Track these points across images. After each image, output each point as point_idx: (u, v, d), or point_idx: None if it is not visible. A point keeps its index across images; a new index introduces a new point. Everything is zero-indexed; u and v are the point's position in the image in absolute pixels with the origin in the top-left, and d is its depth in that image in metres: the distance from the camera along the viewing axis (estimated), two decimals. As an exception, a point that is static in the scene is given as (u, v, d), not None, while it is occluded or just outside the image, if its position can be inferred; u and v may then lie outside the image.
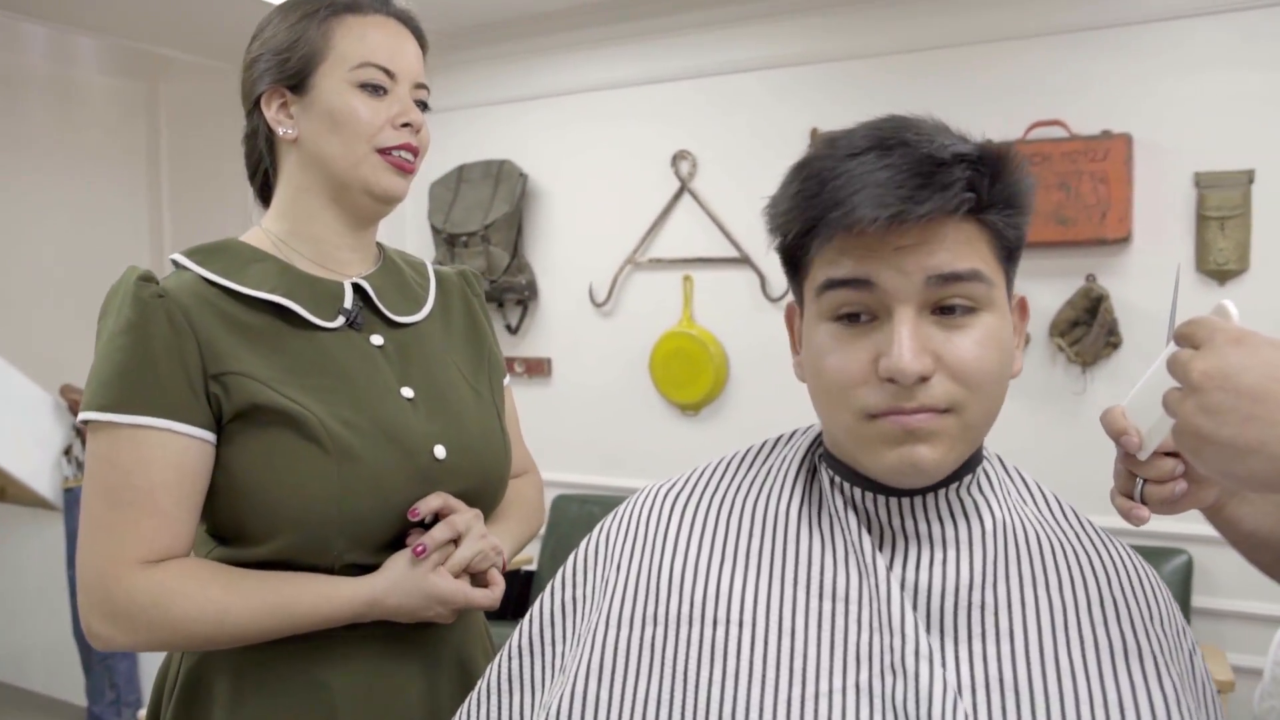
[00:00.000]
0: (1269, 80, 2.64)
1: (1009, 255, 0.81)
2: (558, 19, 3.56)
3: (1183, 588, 2.71)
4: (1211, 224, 2.71)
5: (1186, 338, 0.70)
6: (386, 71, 1.14)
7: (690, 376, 3.42)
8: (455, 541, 1.13)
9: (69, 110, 4.55)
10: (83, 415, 1.04)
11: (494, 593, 1.15)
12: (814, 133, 3.19)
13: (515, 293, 3.70)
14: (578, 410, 3.70)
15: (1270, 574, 0.88)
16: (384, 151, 1.13)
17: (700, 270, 3.44)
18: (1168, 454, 0.76)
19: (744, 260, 3.35)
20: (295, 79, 1.13)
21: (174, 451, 1.03)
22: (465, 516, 1.13)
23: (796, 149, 3.04)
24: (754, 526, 0.87)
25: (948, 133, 0.79)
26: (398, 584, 1.08)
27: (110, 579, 1.02)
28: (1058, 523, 0.87)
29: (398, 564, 1.10)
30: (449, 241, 3.69)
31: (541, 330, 3.77)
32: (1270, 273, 2.67)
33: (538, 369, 3.75)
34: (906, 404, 0.76)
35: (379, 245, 1.26)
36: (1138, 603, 0.82)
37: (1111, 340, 2.82)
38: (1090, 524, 0.88)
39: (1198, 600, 2.75)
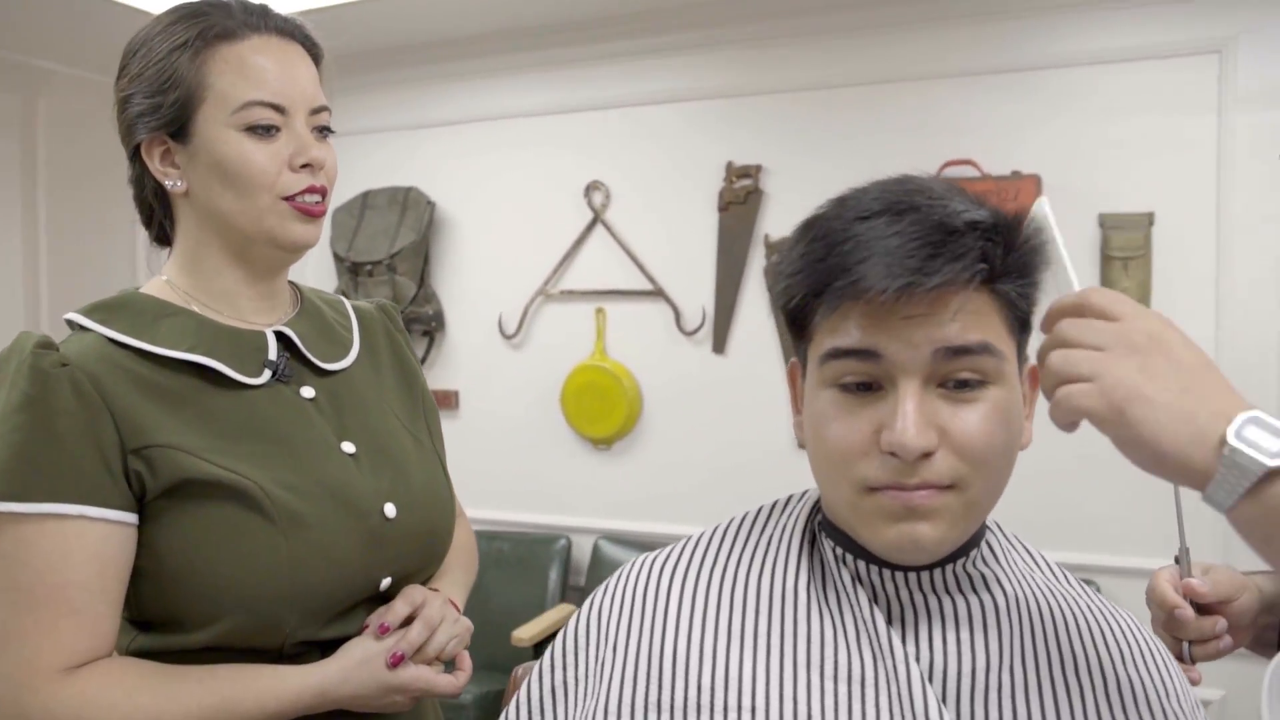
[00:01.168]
0: (1166, 127, 2.73)
1: (1021, 325, 0.78)
2: (470, 44, 3.48)
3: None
4: (1115, 263, 2.79)
5: (1101, 308, 0.68)
6: (275, 107, 1.00)
7: (603, 410, 3.35)
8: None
9: (-64, 124, 4.26)
10: None
11: (459, 679, 1.07)
12: (729, 165, 3.19)
13: (422, 324, 3.58)
14: (486, 444, 3.59)
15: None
16: (288, 199, 1.01)
17: (614, 302, 3.39)
18: (1203, 611, 0.74)
19: (658, 293, 3.31)
20: (174, 125, 1.00)
21: (91, 541, 0.92)
22: (435, 608, 1.05)
23: (712, 181, 3.06)
24: (759, 603, 0.81)
25: (961, 196, 0.76)
26: (352, 673, 0.98)
27: (26, 692, 0.89)
28: (1065, 593, 0.84)
29: (352, 651, 1.00)
30: (352, 270, 3.56)
31: (449, 362, 3.66)
32: (1170, 310, 2.71)
33: (445, 401, 3.64)
34: (908, 480, 0.73)
35: (292, 285, 1.16)
36: (1153, 681, 0.79)
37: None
38: (1096, 594, 0.86)
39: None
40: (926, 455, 0.72)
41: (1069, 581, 0.86)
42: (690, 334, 3.28)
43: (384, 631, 1.01)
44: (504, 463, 3.55)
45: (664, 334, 3.33)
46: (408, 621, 1.05)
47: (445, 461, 1.20)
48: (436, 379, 3.68)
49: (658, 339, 3.34)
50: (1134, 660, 0.80)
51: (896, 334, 0.72)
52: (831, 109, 3.09)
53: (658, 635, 0.81)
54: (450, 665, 1.09)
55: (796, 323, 0.80)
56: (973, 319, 0.73)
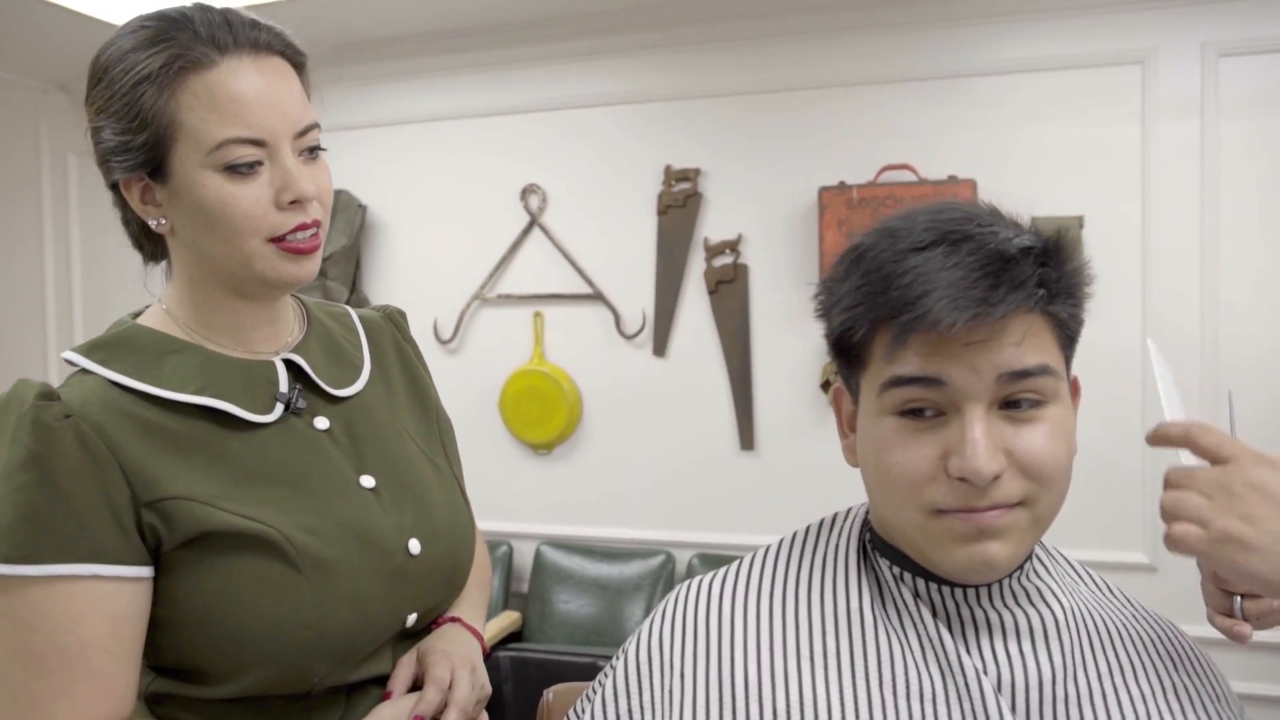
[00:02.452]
0: (1094, 133, 2.83)
1: (1070, 342, 0.80)
2: (401, 45, 3.41)
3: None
4: (1047, 266, 2.88)
5: (1210, 450, 0.75)
6: (255, 142, 0.91)
7: (543, 415, 3.33)
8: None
9: None
10: None
11: None
12: (668, 169, 3.19)
13: (354, 329, 3.50)
14: (422, 451, 3.53)
15: None
16: (277, 239, 0.94)
17: (552, 306, 3.37)
18: None
19: (597, 296, 3.30)
20: (149, 165, 0.92)
21: (105, 599, 0.86)
22: (464, 689, 1.00)
23: (650, 185, 3.05)
24: (824, 623, 0.82)
25: (1004, 220, 0.79)
26: None
27: None
28: (1113, 604, 0.87)
29: (383, 714, 0.96)
30: (280, 274, 3.46)
31: (381, 368, 3.59)
32: (1099, 310, 2.83)
33: (378, 409, 3.56)
34: (979, 502, 0.75)
35: (298, 301, 1.10)
36: (1205, 684, 0.83)
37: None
38: (1138, 602, 0.89)
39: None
40: (996, 478, 0.74)
41: (1111, 591, 0.90)
42: (630, 337, 3.27)
43: None
44: (441, 470, 3.49)
45: (604, 337, 3.32)
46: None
47: (463, 484, 1.16)
48: (369, 385, 3.60)
49: (597, 342, 3.33)
50: (1185, 666, 0.83)
51: (960, 361, 0.73)
52: (770, 113, 3.12)
53: (726, 659, 0.81)
54: None
55: (849, 352, 0.80)
56: (1031, 340, 0.75)
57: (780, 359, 3.14)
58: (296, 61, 1.00)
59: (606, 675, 0.89)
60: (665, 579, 3.17)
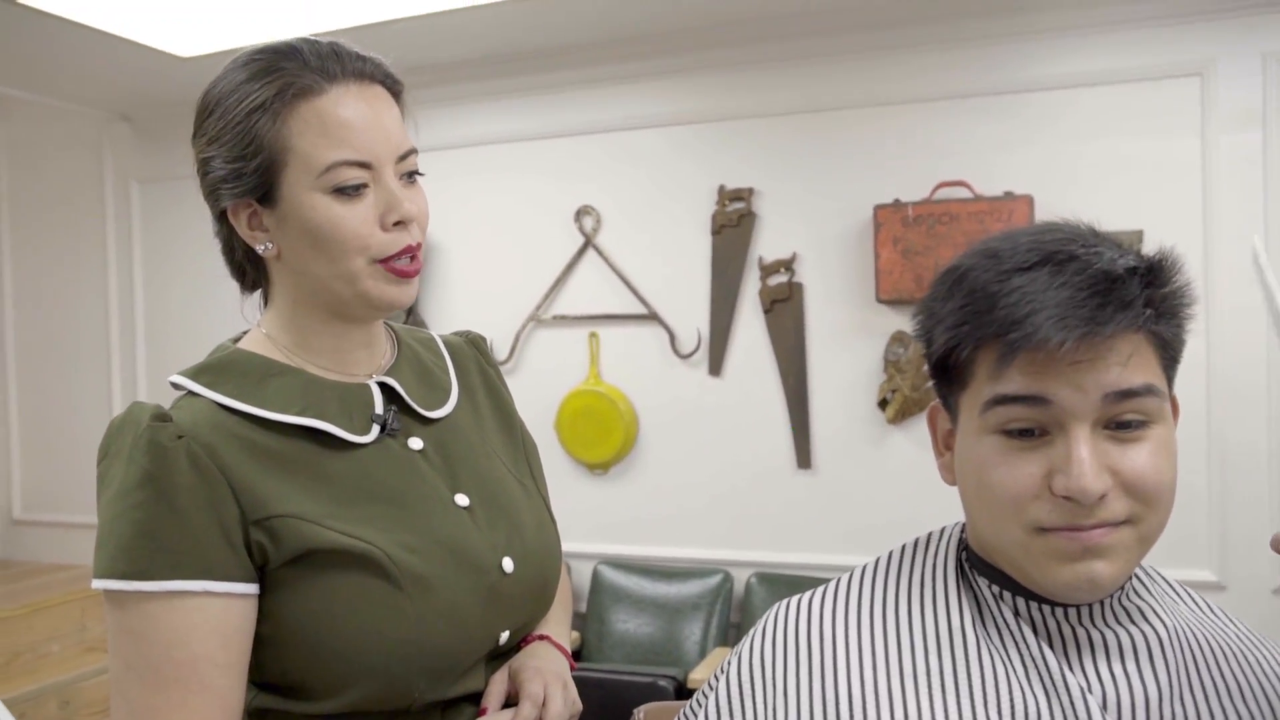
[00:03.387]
0: (1152, 147, 2.81)
1: (1172, 363, 0.80)
2: (454, 70, 3.46)
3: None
4: (1107, 281, 2.85)
5: None
6: (362, 165, 0.95)
7: (599, 435, 3.35)
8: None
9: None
10: (101, 584, 0.89)
11: None
12: (721, 189, 3.21)
13: (411, 351, 3.55)
14: (478, 472, 3.56)
15: None
16: (383, 261, 0.97)
17: (607, 327, 3.39)
18: None
19: (652, 316, 3.32)
20: (259, 191, 0.96)
21: (215, 615, 0.89)
22: (556, 708, 1.02)
23: (704, 205, 3.06)
24: (926, 642, 0.82)
25: (1108, 242, 0.78)
26: None
27: None
28: (1215, 624, 0.87)
29: None
30: (339, 298, 3.51)
31: (438, 389, 3.63)
32: (1160, 327, 2.82)
33: (435, 430, 3.60)
34: (1084, 521, 0.75)
35: (387, 325, 1.13)
36: None
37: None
38: (1240, 621, 0.88)
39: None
40: (1102, 496, 0.74)
41: (1212, 610, 0.89)
42: (686, 357, 3.29)
43: None
44: (498, 490, 3.51)
45: (659, 357, 3.33)
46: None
47: (550, 503, 1.18)
48: (426, 406, 3.64)
49: (653, 362, 3.34)
50: None
51: (1066, 379, 0.74)
52: (823, 131, 3.13)
53: (829, 677, 0.82)
54: None
55: (950, 371, 0.81)
56: (1136, 360, 0.75)
57: (836, 377, 3.14)
58: (395, 90, 1.04)
59: (707, 694, 0.90)
60: (723, 598, 3.17)
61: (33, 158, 4.27)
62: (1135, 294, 0.74)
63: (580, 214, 3.40)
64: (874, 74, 3.06)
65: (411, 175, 1.02)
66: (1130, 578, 0.83)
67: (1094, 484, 0.73)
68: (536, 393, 3.46)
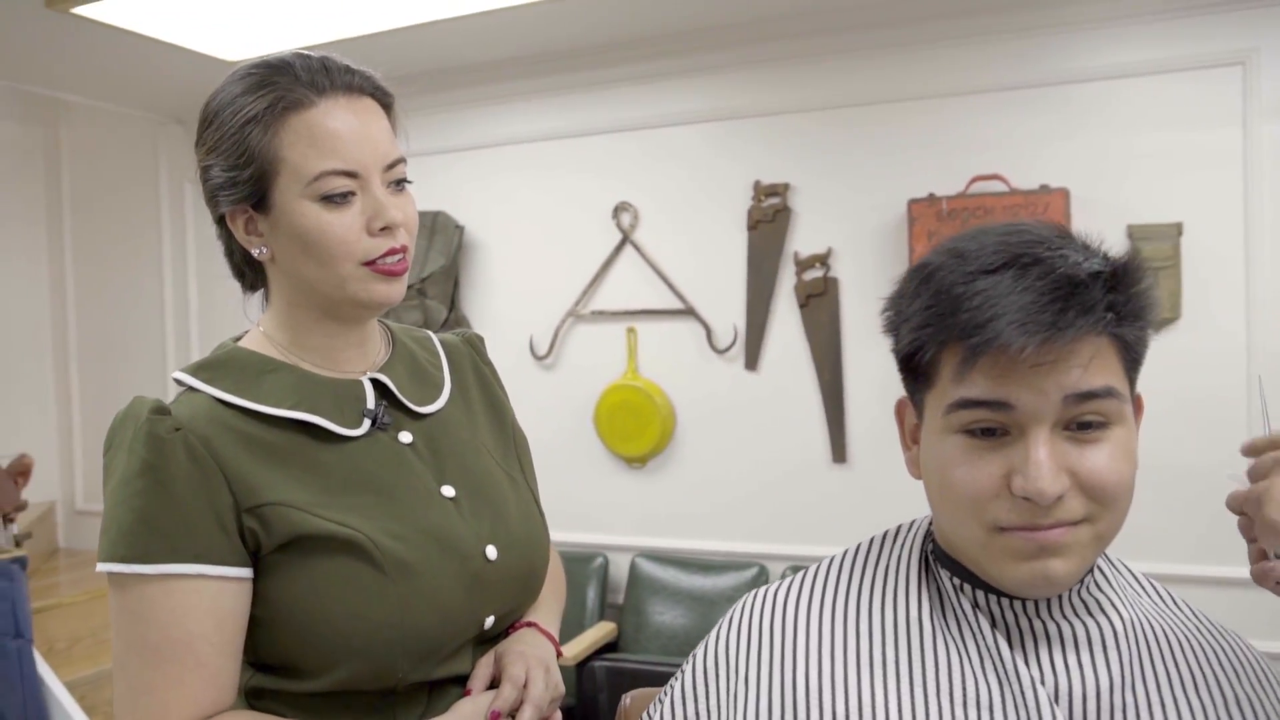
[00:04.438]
0: (1192, 138, 2.77)
1: (1135, 364, 0.81)
2: (493, 69, 3.52)
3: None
4: (1145, 274, 2.82)
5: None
6: (349, 174, 1.00)
7: (637, 429, 3.39)
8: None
9: (-40, 158, 4.29)
10: (105, 568, 0.95)
11: None
12: (757, 184, 3.23)
13: (453, 346, 3.61)
14: (519, 465, 3.62)
15: None
16: (369, 263, 1.02)
17: (644, 322, 3.42)
18: None
19: (689, 312, 3.35)
20: (253, 198, 1.02)
21: (209, 597, 0.95)
22: (538, 688, 1.07)
23: (740, 200, 3.06)
24: (884, 632, 0.85)
25: (1073, 243, 0.79)
26: None
27: None
28: (1175, 616, 0.88)
29: (463, 709, 1.04)
30: (383, 295, 3.59)
31: (480, 384, 3.69)
32: (1200, 319, 2.78)
33: (477, 423, 3.67)
34: (1042, 520, 0.76)
35: (384, 326, 1.19)
36: (1266, 695, 0.83)
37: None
38: (1202, 614, 0.89)
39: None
40: (1059, 497, 0.75)
41: (1175, 602, 0.90)
42: (722, 352, 3.31)
43: (495, 719, 1.03)
44: (540, 482, 3.56)
45: (696, 352, 3.36)
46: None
47: (538, 495, 1.23)
48: (468, 401, 3.71)
49: (690, 357, 3.37)
50: (1248, 677, 0.84)
51: (1027, 383, 0.75)
52: (858, 126, 3.13)
53: (788, 666, 0.85)
54: None
55: (916, 369, 0.83)
56: (1096, 363, 0.76)
57: (871, 371, 3.14)
58: (385, 102, 1.08)
59: (676, 680, 0.93)
60: (759, 591, 3.19)
61: (92, 160, 4.41)
62: (1097, 298, 0.75)
63: (618, 210, 3.44)
64: (909, 68, 3.06)
65: (400, 183, 1.06)
66: (1090, 571, 0.84)
67: (1051, 486, 0.74)
68: (575, 387, 3.51)
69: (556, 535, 3.88)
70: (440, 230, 3.59)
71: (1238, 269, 2.75)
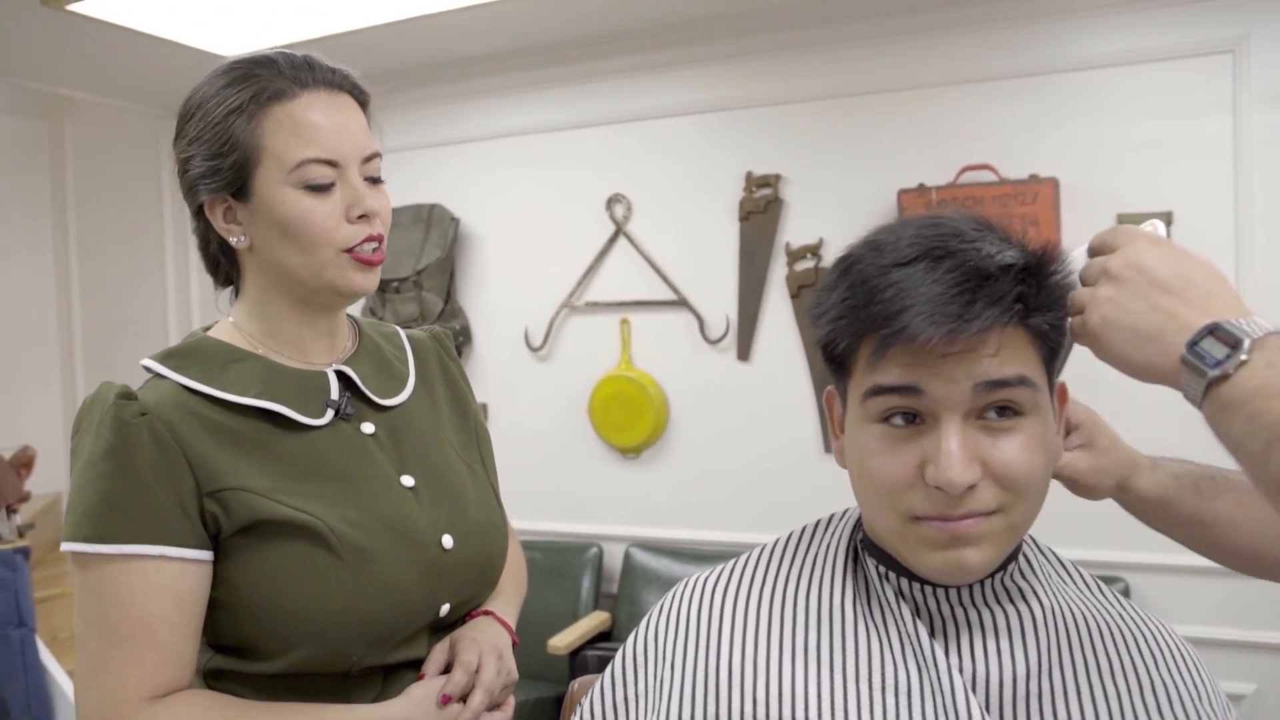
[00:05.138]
0: (1182, 127, 2.76)
1: (1052, 354, 0.82)
2: (487, 62, 3.53)
3: (1120, 617, 2.79)
4: (1135, 264, 2.82)
5: (1107, 244, 0.78)
6: (329, 163, 1.04)
7: (630, 419, 3.40)
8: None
9: (-35, 152, 4.34)
10: (68, 547, 0.98)
11: (506, 712, 1.14)
12: (749, 175, 3.23)
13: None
14: (515, 455, 3.63)
15: (1176, 535, 0.97)
16: (348, 250, 1.06)
17: (638, 313, 3.44)
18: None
19: (682, 303, 3.36)
20: (234, 186, 1.05)
21: (169, 578, 0.98)
22: (489, 672, 1.10)
23: (732, 191, 3.06)
24: (809, 620, 0.86)
25: (991, 235, 0.80)
26: (415, 711, 1.05)
27: (115, 718, 0.96)
28: (1099, 603, 0.89)
29: (415, 692, 1.07)
30: (380, 287, 3.62)
31: (477, 375, 3.72)
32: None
33: (473, 414, 3.69)
34: (953, 511, 0.77)
35: (352, 321, 1.23)
36: (1184, 682, 0.84)
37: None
38: (1128, 602, 0.90)
39: (1134, 628, 2.82)
40: (971, 487, 0.76)
41: (1101, 590, 0.91)
42: (715, 342, 3.32)
43: (446, 702, 1.06)
44: (534, 473, 3.60)
45: (688, 343, 3.38)
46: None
47: (498, 488, 1.26)
48: (465, 392, 3.74)
49: (682, 348, 3.39)
50: (1167, 664, 0.85)
51: (937, 371, 0.76)
52: (849, 117, 3.13)
53: (713, 652, 0.86)
54: None
55: (836, 360, 0.84)
56: (1009, 353, 0.77)
57: (863, 361, 3.14)
58: (362, 100, 1.12)
59: (609, 666, 0.95)
60: (751, 580, 3.20)
61: (95, 154, 4.46)
62: (1005, 290, 0.76)
63: (611, 202, 3.45)
64: (900, 58, 3.06)
65: (375, 180, 1.10)
66: (1015, 560, 0.85)
67: (961, 475, 0.75)
68: (569, 378, 3.53)
69: (551, 525, 3.92)
70: (436, 222, 3.61)
71: (1228, 257, 2.74)
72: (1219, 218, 2.74)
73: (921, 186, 2.95)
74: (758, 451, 3.29)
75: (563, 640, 3.06)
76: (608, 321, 3.48)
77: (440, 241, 3.58)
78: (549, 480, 3.59)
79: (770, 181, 3.21)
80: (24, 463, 3.49)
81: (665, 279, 3.38)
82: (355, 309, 3.74)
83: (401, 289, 3.59)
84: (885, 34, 3.06)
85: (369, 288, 1.10)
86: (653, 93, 3.37)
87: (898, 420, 0.79)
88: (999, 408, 0.78)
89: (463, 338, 3.66)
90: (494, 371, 3.68)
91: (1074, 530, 2.56)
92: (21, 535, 3.41)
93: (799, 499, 3.24)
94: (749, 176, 3.24)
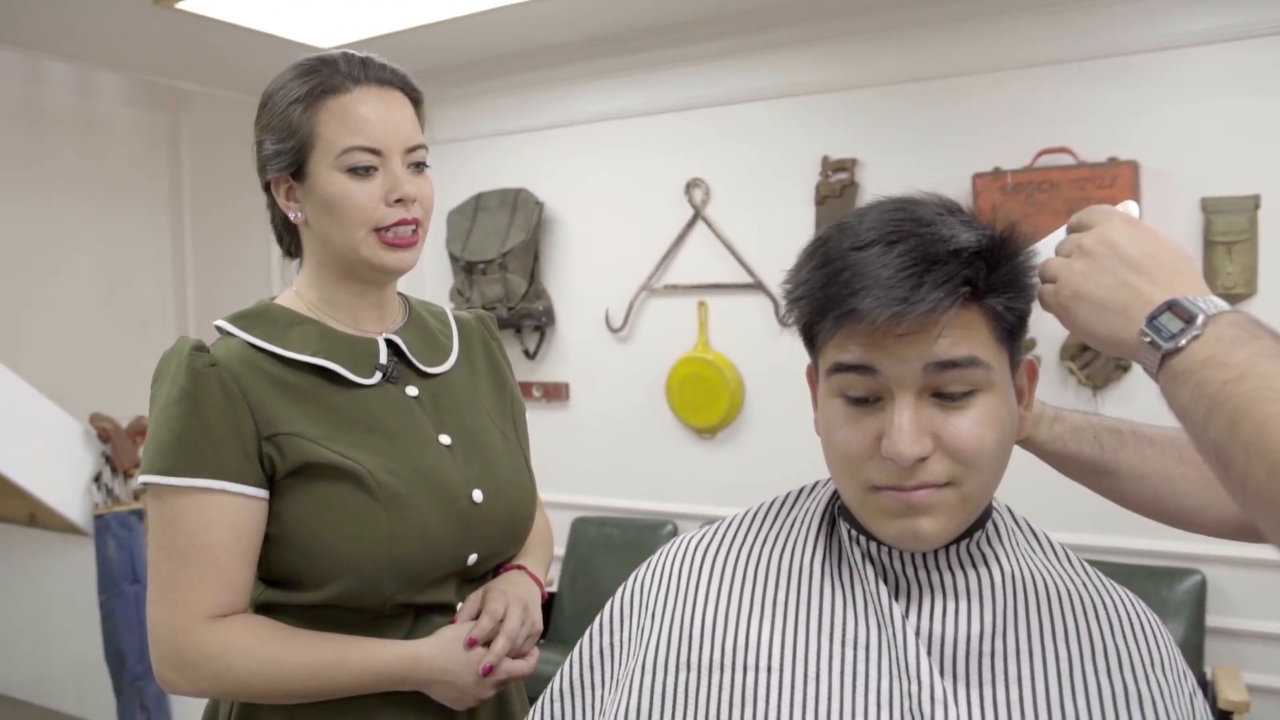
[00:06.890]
0: (1270, 107, 2.68)
1: (1010, 334, 0.85)
2: (570, 50, 3.63)
3: (1196, 608, 2.75)
4: (1219, 248, 2.76)
5: (1084, 222, 0.82)
6: (372, 150, 1.16)
7: (706, 400, 3.47)
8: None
9: (93, 142, 4.64)
10: (143, 479, 1.11)
11: (530, 661, 1.23)
12: (825, 160, 3.25)
13: (533, 319, 3.76)
14: (595, 434, 3.75)
15: (1085, 483, 1.01)
16: (381, 231, 1.17)
17: (715, 296, 3.50)
18: None
19: (758, 286, 3.40)
20: (294, 167, 1.18)
21: (230, 510, 1.10)
22: (514, 620, 1.20)
23: (808, 176, 3.08)
24: (779, 578, 0.92)
25: (951, 220, 0.83)
26: (444, 647, 1.15)
27: (179, 632, 1.09)
28: (1064, 572, 0.92)
29: (445, 633, 1.17)
30: (467, 269, 3.76)
31: (559, 356, 3.83)
32: (1278, 295, 2.70)
33: (556, 394, 3.81)
34: (906, 482, 0.82)
35: (403, 297, 1.34)
36: (1140, 650, 0.87)
37: (1121, 364, 2.86)
38: (1094, 572, 0.93)
39: (1212, 620, 2.78)
40: (923, 459, 0.81)
41: (1070, 561, 0.94)
42: (789, 325, 3.35)
43: (471, 645, 1.17)
44: (613, 451, 3.70)
45: (763, 326, 3.42)
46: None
47: (529, 455, 1.37)
48: (548, 372, 3.86)
49: (758, 330, 3.43)
50: (1124, 632, 0.88)
51: (890, 351, 0.80)
52: (925, 101, 3.12)
53: (689, 605, 0.93)
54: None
55: (807, 337, 0.90)
56: (960, 334, 0.81)
57: (938, 346, 3.14)
58: (414, 97, 1.25)
59: (599, 615, 1.03)
60: (822, 560, 3.24)
61: (208, 144, 4.71)
62: (953, 274, 0.79)
63: (690, 187, 3.51)
64: (976, 41, 3.03)
65: (419, 166, 1.22)
66: (980, 529, 0.89)
67: (910, 448, 0.79)
68: (648, 359, 3.61)
69: (628, 503, 4.02)
70: (521, 206, 3.73)
71: (1316, 242, 2.66)
72: (1308, 201, 2.66)
73: (997, 170, 2.93)
74: (830, 434, 3.31)
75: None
76: (685, 304, 3.55)
77: (525, 224, 3.70)
78: (627, 458, 3.69)
79: (846, 166, 3.23)
80: (139, 430, 3.75)
81: (742, 262, 3.43)
82: (443, 290, 3.88)
83: (487, 270, 3.72)
84: (961, 17, 3.04)
85: (400, 267, 1.21)
86: (728, 79, 3.42)
87: (858, 397, 0.84)
88: (951, 389, 0.81)
89: (546, 319, 3.77)
90: (575, 352, 3.79)
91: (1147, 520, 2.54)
92: (137, 498, 3.67)
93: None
94: (825, 161, 3.26)
